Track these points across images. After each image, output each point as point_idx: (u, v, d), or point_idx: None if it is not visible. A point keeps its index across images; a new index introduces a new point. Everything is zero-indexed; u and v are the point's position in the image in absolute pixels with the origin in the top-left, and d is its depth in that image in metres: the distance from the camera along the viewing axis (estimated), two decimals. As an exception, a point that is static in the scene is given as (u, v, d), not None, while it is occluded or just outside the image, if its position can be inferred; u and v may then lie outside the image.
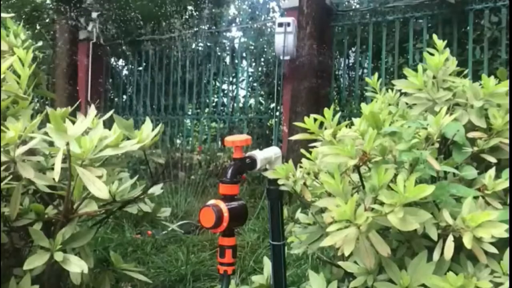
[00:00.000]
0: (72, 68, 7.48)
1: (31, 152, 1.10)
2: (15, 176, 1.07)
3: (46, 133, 1.12)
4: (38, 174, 1.09)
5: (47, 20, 8.74)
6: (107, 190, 1.05)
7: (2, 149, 0.97)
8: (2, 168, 1.02)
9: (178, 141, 7.70)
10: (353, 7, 6.25)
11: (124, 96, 8.55)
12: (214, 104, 7.81)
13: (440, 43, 1.68)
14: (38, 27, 8.97)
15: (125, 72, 8.83)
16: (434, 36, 1.72)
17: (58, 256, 1.11)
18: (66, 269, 1.25)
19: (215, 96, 7.75)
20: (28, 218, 1.12)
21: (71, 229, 1.17)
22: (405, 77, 1.64)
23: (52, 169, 1.14)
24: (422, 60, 1.66)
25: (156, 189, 1.71)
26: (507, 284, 1.18)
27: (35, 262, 1.08)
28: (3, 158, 0.98)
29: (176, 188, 4.92)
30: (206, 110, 7.66)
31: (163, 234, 3.39)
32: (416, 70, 1.60)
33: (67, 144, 1.03)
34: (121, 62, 8.95)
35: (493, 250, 1.17)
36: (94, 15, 8.13)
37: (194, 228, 3.81)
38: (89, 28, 8.15)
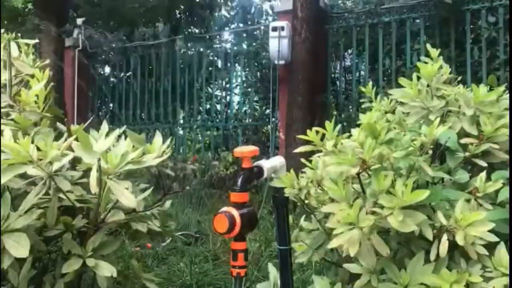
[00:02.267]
0: (57, 76, 7.62)
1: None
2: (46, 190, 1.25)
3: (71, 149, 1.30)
4: (72, 187, 1.26)
5: (29, 27, 8.88)
6: (135, 200, 1.23)
7: (37, 165, 1.14)
8: (41, 183, 1.20)
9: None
10: (348, 8, 6.43)
11: (111, 104, 8.69)
12: (207, 111, 7.92)
13: (434, 51, 1.86)
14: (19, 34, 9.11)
15: (112, 79, 8.98)
16: (428, 46, 1.91)
17: (90, 262, 1.29)
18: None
19: (209, 103, 7.87)
20: (57, 229, 1.29)
21: (100, 237, 1.35)
22: (403, 78, 1.82)
23: (76, 183, 1.32)
24: (420, 60, 1.86)
25: (167, 203, 1.89)
26: (497, 278, 1.36)
27: (70, 267, 1.25)
28: (39, 173, 1.16)
29: (171, 199, 5.08)
30: (199, 117, 7.80)
31: (163, 246, 3.56)
32: (414, 72, 1.78)
33: (99, 160, 1.21)
34: (108, 69, 9.10)
35: (484, 251, 1.36)
36: (79, 21, 8.29)
37: (193, 240, 3.97)
38: (74, 35, 8.31)
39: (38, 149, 1.21)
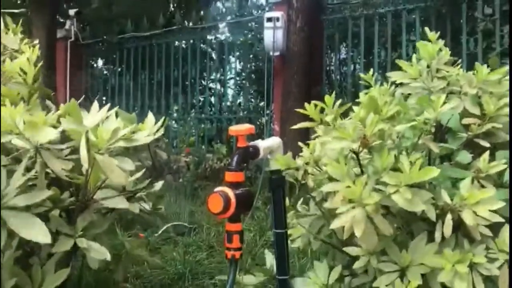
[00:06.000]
0: (49, 68, 7.52)
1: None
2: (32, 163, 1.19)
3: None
4: (60, 162, 1.20)
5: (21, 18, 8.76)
6: (125, 176, 1.17)
7: (23, 137, 1.08)
8: (27, 157, 1.14)
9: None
10: (344, -1, 6.37)
11: (104, 97, 8.61)
12: (201, 103, 7.85)
13: (432, 35, 1.82)
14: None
15: (105, 71, 8.89)
16: (426, 29, 1.86)
17: (82, 243, 1.23)
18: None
19: (203, 96, 7.80)
20: (45, 206, 1.23)
21: (89, 216, 1.29)
22: (398, 70, 1.78)
23: (63, 159, 1.26)
24: (416, 53, 1.81)
25: (158, 185, 1.83)
26: (502, 259, 1.32)
27: (60, 247, 1.19)
28: (25, 146, 1.10)
29: (164, 191, 5.03)
30: (193, 110, 7.74)
31: (156, 236, 3.51)
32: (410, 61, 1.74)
33: (86, 132, 1.15)
34: (101, 61, 9.01)
35: (488, 232, 1.32)
36: (72, 12, 8.18)
37: (186, 230, 3.93)
38: (67, 26, 8.20)
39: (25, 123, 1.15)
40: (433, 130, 1.51)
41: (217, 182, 5.73)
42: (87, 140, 1.13)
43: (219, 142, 7.02)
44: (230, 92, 7.75)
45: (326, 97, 1.49)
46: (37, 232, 1.12)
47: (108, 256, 1.27)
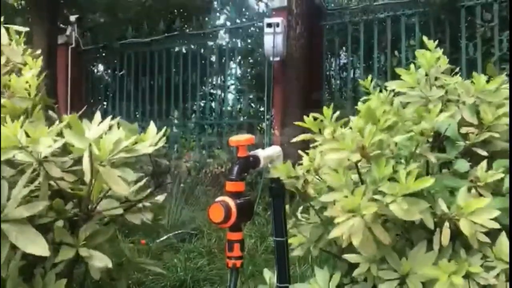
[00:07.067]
0: (50, 74, 7.53)
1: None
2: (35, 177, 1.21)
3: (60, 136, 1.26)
4: (63, 174, 1.23)
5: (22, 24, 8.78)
6: (127, 188, 1.19)
7: (26, 150, 1.10)
8: (30, 169, 1.16)
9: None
10: (343, 5, 6.41)
11: (105, 102, 8.63)
12: (201, 108, 7.86)
13: (431, 43, 1.83)
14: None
15: (106, 77, 8.92)
16: (424, 38, 1.88)
17: (84, 252, 1.25)
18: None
19: (203, 101, 7.81)
20: (49, 217, 1.25)
21: (92, 227, 1.31)
22: (397, 76, 1.79)
23: (67, 171, 1.28)
24: (415, 58, 1.83)
25: (161, 197, 1.85)
26: (499, 268, 1.34)
27: (63, 256, 1.21)
28: (28, 159, 1.12)
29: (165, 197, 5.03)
30: (193, 115, 7.75)
31: (157, 243, 3.52)
32: (409, 69, 1.76)
33: (90, 145, 1.17)
34: (102, 67, 9.04)
35: (486, 239, 1.33)
36: (72, 18, 8.21)
37: (187, 236, 3.95)
38: (67, 32, 8.23)
39: (28, 136, 1.17)
40: (431, 139, 1.53)
41: (218, 187, 5.78)
42: (90, 153, 1.15)
43: (220, 147, 7.03)
44: (230, 97, 7.77)
45: (324, 109, 1.50)
46: (36, 245, 1.13)
47: (109, 264, 1.28)
